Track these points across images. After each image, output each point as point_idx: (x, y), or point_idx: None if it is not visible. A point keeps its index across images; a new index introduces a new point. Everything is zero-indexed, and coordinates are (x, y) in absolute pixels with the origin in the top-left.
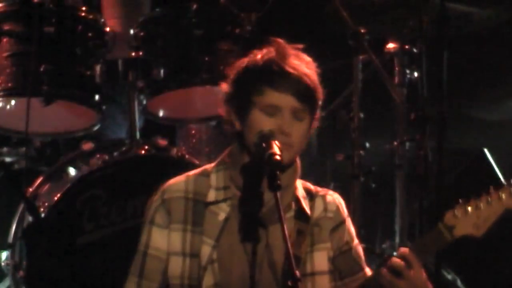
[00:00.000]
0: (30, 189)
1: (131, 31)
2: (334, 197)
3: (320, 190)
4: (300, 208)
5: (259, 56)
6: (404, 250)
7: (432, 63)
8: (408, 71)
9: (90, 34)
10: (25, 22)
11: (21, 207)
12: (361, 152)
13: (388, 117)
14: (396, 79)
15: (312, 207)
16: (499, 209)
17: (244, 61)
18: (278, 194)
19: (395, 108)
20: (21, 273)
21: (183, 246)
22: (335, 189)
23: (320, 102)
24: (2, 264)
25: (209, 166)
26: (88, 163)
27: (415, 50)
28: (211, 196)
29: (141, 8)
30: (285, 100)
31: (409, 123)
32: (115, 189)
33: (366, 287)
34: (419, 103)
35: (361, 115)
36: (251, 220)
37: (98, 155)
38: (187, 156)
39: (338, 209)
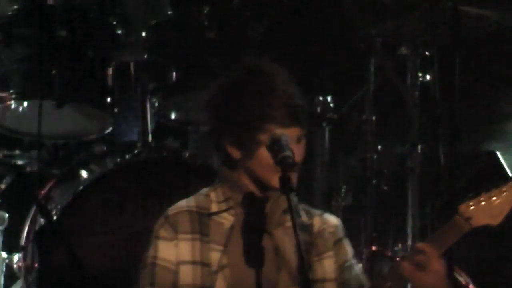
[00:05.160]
0: (42, 192)
1: (143, 34)
2: (331, 217)
3: (317, 211)
4: (301, 219)
5: (250, 93)
6: (422, 245)
7: (444, 66)
8: (420, 74)
9: (102, 37)
10: (37, 25)
11: (33, 209)
12: (374, 155)
13: (401, 119)
14: (409, 82)
15: (311, 224)
16: None
17: (235, 99)
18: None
19: (408, 111)
20: (33, 275)
21: (193, 254)
22: (347, 192)
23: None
24: (14, 266)
25: (205, 189)
26: (100, 165)
27: (427, 53)
28: (214, 207)
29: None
30: (291, 132)
31: (422, 126)
32: (127, 192)
33: (387, 279)
34: (432, 106)
35: (374, 117)
36: (257, 232)
37: (110, 158)
38: (199, 159)
39: (337, 226)
